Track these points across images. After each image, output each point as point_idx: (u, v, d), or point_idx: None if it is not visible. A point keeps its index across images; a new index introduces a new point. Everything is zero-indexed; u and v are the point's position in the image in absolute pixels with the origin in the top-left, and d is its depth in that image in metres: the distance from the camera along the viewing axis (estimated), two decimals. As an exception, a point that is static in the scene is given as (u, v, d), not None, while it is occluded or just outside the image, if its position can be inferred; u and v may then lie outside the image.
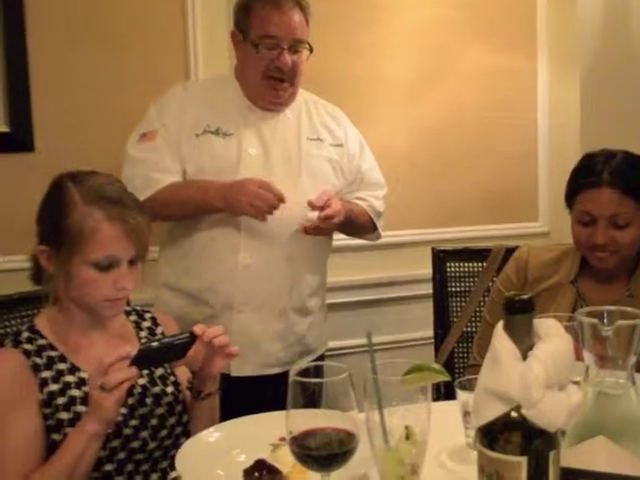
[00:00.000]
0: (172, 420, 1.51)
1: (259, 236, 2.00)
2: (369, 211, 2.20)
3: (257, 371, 2.05)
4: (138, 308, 1.66)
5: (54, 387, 1.41)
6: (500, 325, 0.91)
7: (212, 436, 1.40)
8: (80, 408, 1.40)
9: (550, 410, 0.85)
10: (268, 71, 1.99)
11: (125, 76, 2.42)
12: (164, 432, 1.49)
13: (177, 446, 1.49)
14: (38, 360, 1.41)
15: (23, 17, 2.31)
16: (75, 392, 1.42)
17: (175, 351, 1.39)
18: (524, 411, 0.86)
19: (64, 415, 1.40)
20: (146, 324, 1.62)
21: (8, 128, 2.33)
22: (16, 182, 2.31)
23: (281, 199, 1.89)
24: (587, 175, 1.74)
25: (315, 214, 1.98)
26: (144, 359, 1.33)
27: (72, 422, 1.39)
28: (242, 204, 1.89)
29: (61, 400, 1.40)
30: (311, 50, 2.03)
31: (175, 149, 2.00)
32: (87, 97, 2.38)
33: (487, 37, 2.89)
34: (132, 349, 1.32)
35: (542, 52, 2.97)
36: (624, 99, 2.77)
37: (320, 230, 2.00)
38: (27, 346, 1.42)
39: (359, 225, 2.18)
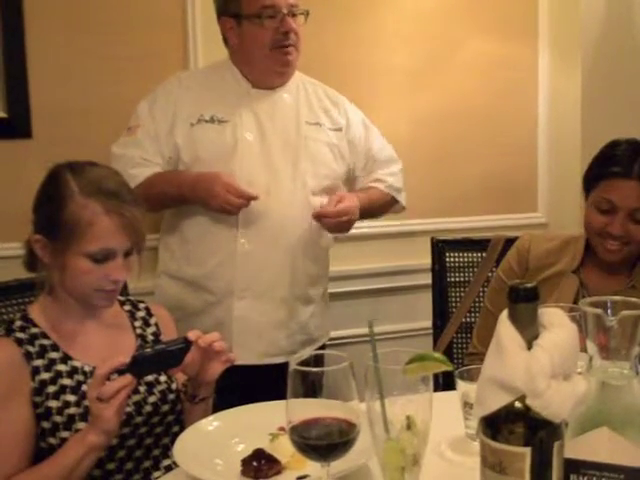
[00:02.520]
0: (165, 407, 1.50)
1: (257, 223, 1.99)
2: (389, 191, 2.22)
3: (260, 360, 2.04)
4: (132, 298, 1.66)
5: (45, 375, 1.41)
6: (505, 314, 0.90)
7: (211, 425, 1.40)
8: (70, 397, 1.41)
9: (555, 400, 0.84)
10: (275, 42, 1.99)
11: (123, 63, 2.39)
12: (156, 419, 1.49)
13: (169, 434, 1.50)
14: (30, 348, 1.41)
15: (21, 2, 2.28)
16: (66, 381, 1.42)
17: (171, 358, 1.38)
18: (529, 401, 0.85)
19: (53, 403, 1.40)
20: (140, 314, 1.62)
21: (6, 114, 2.31)
22: (13, 168, 2.30)
23: (251, 198, 1.93)
24: (616, 163, 1.72)
25: (325, 202, 2.01)
26: (139, 366, 1.32)
27: (60, 410, 1.39)
28: (211, 205, 1.94)
29: (52, 388, 1.40)
30: (307, 13, 2.03)
31: (164, 141, 2.01)
32: (85, 83, 2.36)
33: (488, 26, 2.86)
34: (125, 357, 1.31)
35: (543, 41, 2.94)
36: (625, 89, 2.76)
37: (333, 226, 2.02)
38: (20, 334, 1.42)
39: (379, 208, 2.23)
